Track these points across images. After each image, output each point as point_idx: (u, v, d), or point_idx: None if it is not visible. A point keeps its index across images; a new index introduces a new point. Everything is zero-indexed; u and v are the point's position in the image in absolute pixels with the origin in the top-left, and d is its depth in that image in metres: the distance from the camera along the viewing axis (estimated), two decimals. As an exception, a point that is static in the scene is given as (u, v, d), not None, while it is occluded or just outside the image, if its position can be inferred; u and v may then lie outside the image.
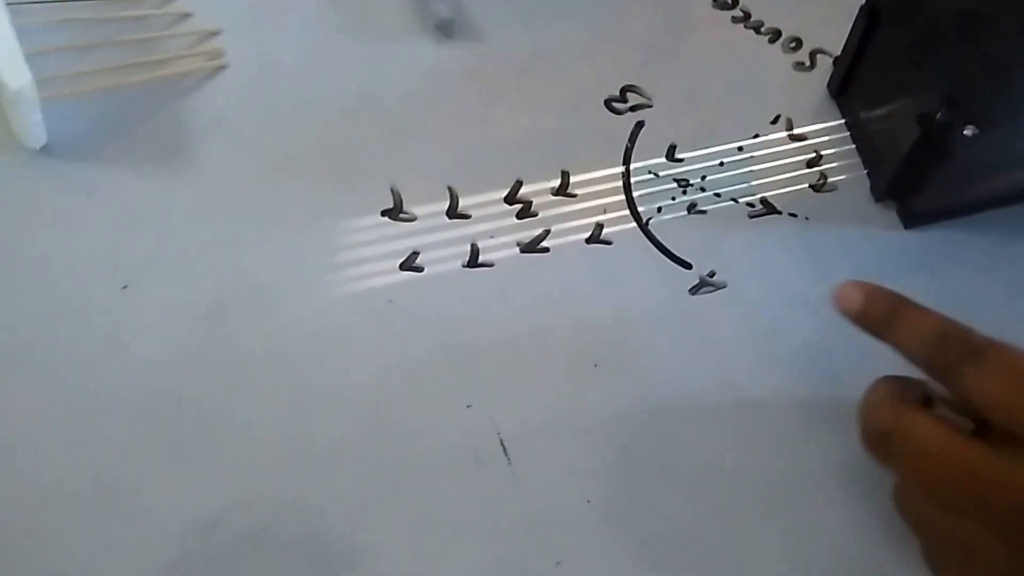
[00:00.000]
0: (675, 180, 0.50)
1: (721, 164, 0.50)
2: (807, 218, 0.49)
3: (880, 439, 0.38)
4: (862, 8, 0.47)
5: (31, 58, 0.48)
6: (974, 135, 0.42)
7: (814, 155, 0.51)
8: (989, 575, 0.36)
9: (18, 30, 0.49)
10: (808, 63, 0.53)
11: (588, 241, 0.49)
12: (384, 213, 0.49)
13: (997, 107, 0.43)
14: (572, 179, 0.50)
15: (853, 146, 0.51)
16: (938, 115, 0.43)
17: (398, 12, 0.55)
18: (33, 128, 0.49)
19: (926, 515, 0.37)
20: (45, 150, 0.50)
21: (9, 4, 0.49)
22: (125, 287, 0.47)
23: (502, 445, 0.43)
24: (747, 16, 0.55)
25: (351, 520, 0.42)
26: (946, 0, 0.45)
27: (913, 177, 0.46)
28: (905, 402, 0.38)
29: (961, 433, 0.36)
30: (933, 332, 0.37)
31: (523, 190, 0.50)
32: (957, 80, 0.43)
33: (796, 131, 0.51)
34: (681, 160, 0.51)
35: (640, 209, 0.48)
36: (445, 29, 0.51)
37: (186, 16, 0.55)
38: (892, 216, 0.49)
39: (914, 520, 0.38)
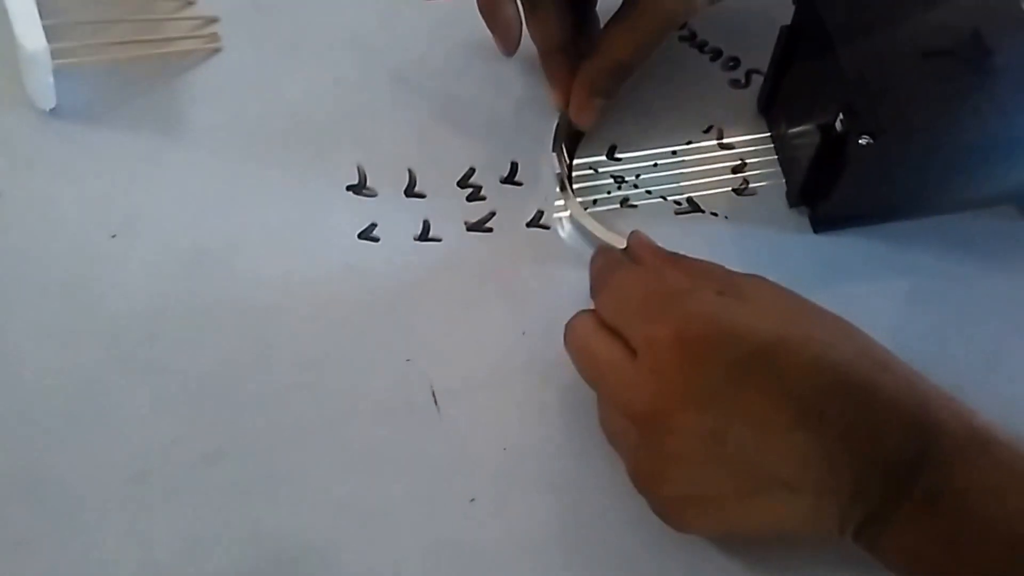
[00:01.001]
0: (612, 176, 0.55)
1: (655, 165, 0.55)
2: (727, 218, 0.54)
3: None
4: (782, 28, 0.52)
5: (50, 28, 0.53)
6: (868, 144, 0.46)
7: (739, 162, 0.55)
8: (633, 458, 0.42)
9: (41, 2, 0.54)
10: (744, 81, 0.58)
11: (529, 224, 0.54)
12: (349, 188, 0.54)
13: (889, 122, 0.47)
14: (520, 169, 0.55)
15: (775, 156, 0.55)
16: (836, 124, 0.48)
17: (376, 14, 0.61)
18: (45, 90, 0.54)
19: (606, 423, 0.45)
20: (54, 112, 0.56)
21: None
22: (114, 236, 0.53)
23: (433, 396, 0.49)
24: (693, 36, 0.60)
25: (291, 450, 0.47)
26: (843, 18, 0.49)
27: (820, 184, 0.51)
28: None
29: (601, 334, 0.43)
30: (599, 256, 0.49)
31: (475, 176, 0.55)
32: (854, 95, 0.47)
33: (725, 140, 0.56)
34: (619, 159, 0.56)
35: (578, 200, 0.53)
36: None
37: (189, 3, 0.60)
38: (804, 221, 0.53)
39: (607, 432, 0.45)
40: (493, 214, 0.54)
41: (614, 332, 0.43)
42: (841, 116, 0.47)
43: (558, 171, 0.53)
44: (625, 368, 0.42)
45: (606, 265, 0.47)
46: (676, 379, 0.40)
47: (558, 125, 0.55)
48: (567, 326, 0.45)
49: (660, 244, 0.51)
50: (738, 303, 0.42)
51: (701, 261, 0.47)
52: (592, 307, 0.46)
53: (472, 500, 0.46)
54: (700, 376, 0.40)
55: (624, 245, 0.50)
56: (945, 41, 0.49)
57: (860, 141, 0.47)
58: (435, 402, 0.48)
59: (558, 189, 0.53)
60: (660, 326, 0.41)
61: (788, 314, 0.43)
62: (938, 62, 0.48)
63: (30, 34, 0.52)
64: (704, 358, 0.40)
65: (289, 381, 0.49)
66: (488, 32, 0.56)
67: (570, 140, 0.55)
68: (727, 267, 0.46)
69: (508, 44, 0.56)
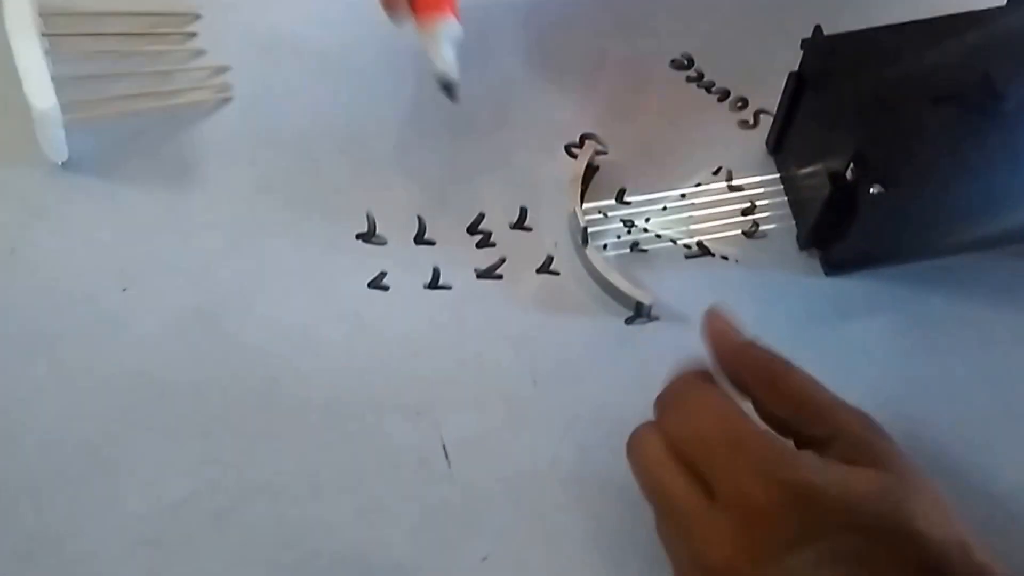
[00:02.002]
0: (622, 220, 0.55)
1: (664, 208, 0.55)
2: (737, 261, 0.53)
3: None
4: (791, 74, 0.52)
5: (60, 82, 0.54)
6: (879, 193, 0.46)
7: (749, 204, 0.55)
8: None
9: (52, 57, 0.55)
10: (752, 122, 0.58)
11: (538, 271, 0.54)
12: (359, 236, 0.55)
13: (900, 170, 0.47)
14: (529, 214, 0.55)
15: (785, 198, 0.55)
16: (847, 173, 0.47)
17: (383, 63, 0.61)
18: (56, 145, 0.55)
19: (664, 538, 0.41)
20: (66, 165, 0.56)
21: (43, 35, 0.55)
22: (125, 289, 0.53)
23: (444, 449, 0.49)
24: (700, 76, 0.59)
25: (299, 506, 0.47)
26: (856, 75, 0.49)
27: (831, 229, 0.51)
28: None
29: (674, 466, 0.40)
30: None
31: (484, 222, 0.55)
32: (864, 143, 0.47)
33: (735, 182, 0.56)
34: (629, 203, 0.55)
35: (587, 245, 0.53)
36: (449, 90, 0.53)
37: (200, 53, 0.61)
38: (815, 264, 0.53)
39: (664, 544, 0.42)
40: (503, 260, 0.54)
41: (687, 463, 0.40)
42: (852, 165, 0.47)
43: (583, 224, 0.53)
44: (700, 508, 0.39)
45: (681, 380, 0.43)
46: (763, 545, 0.37)
47: (581, 176, 0.55)
48: (630, 441, 0.42)
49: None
50: (841, 473, 0.38)
51: (801, 379, 0.42)
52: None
53: (484, 559, 0.46)
54: (792, 550, 0.37)
55: (645, 298, 0.50)
56: (955, 85, 0.48)
57: (871, 190, 0.47)
58: (445, 455, 0.48)
59: (581, 242, 0.53)
60: (756, 482, 0.37)
61: (894, 493, 0.38)
62: (948, 107, 0.48)
63: (40, 92, 0.53)
64: (800, 532, 0.37)
65: (297, 434, 0.49)
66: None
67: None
68: (831, 395, 0.41)
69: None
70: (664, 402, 0.43)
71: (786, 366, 0.42)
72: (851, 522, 0.37)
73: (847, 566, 0.36)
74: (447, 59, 0.53)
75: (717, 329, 0.44)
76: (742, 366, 0.43)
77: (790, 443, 0.41)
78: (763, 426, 0.41)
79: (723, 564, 0.37)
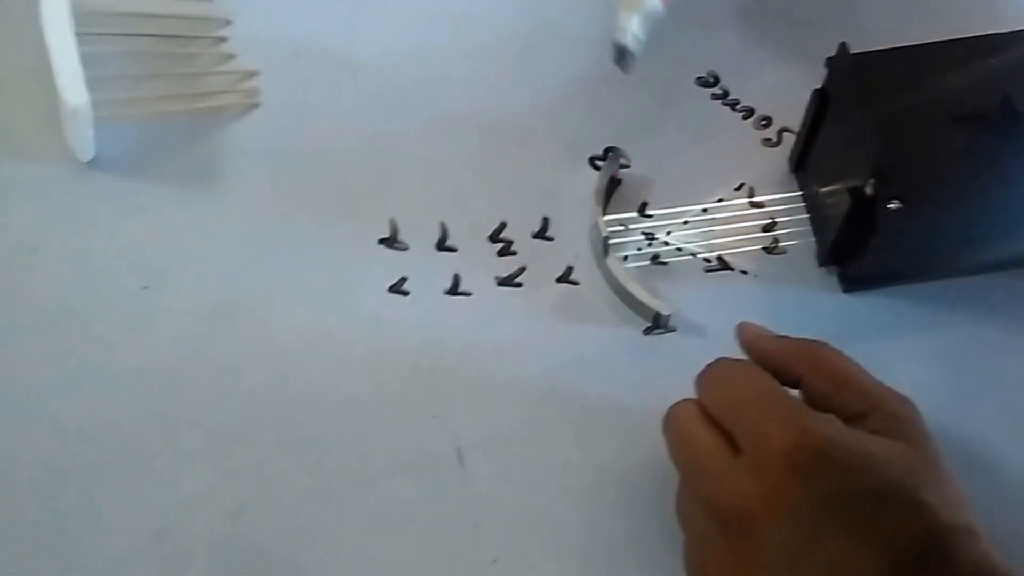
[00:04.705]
0: (643, 233, 0.55)
1: (685, 222, 0.55)
2: (756, 276, 0.54)
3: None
4: (815, 90, 0.52)
5: (92, 81, 0.54)
6: (898, 209, 0.46)
7: (770, 221, 0.55)
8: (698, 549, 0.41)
9: (84, 56, 0.55)
10: (775, 140, 0.58)
11: (558, 280, 0.54)
12: (381, 241, 0.55)
13: (919, 187, 0.47)
14: (551, 225, 0.55)
15: (806, 216, 0.55)
16: (867, 188, 0.48)
17: (411, 72, 0.62)
18: (85, 143, 0.55)
19: (682, 507, 0.42)
20: (93, 163, 0.57)
21: (78, 34, 0.56)
22: (146, 287, 0.53)
23: (458, 453, 0.49)
24: (725, 94, 0.60)
25: (313, 506, 0.47)
26: (879, 93, 0.50)
27: (850, 245, 0.51)
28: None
29: (705, 424, 0.41)
30: None
31: (506, 231, 0.55)
32: (884, 159, 0.47)
33: (756, 199, 0.56)
34: (651, 216, 0.56)
35: (609, 256, 0.53)
36: (622, 60, 0.53)
37: (230, 57, 0.61)
38: (834, 280, 0.53)
39: (680, 515, 0.43)
40: (523, 269, 0.54)
41: (719, 425, 0.41)
42: (871, 180, 0.47)
43: (605, 234, 0.53)
44: (724, 461, 0.40)
45: (716, 362, 0.44)
46: (777, 488, 0.38)
47: (604, 188, 0.55)
48: (668, 412, 0.44)
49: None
50: (863, 435, 0.39)
51: (845, 359, 0.44)
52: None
53: (494, 561, 0.46)
54: (803, 494, 0.37)
55: (664, 308, 0.51)
56: (975, 106, 0.49)
57: (890, 205, 0.47)
58: (460, 459, 0.49)
59: (602, 252, 0.53)
60: (776, 428, 0.39)
61: (911, 464, 0.39)
62: (968, 127, 0.48)
63: (73, 88, 0.54)
64: (814, 477, 0.37)
65: (313, 436, 0.49)
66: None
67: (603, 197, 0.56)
68: (874, 378, 0.43)
69: None
70: (702, 376, 0.44)
71: (830, 347, 0.44)
72: (864, 479, 0.37)
73: (856, 519, 0.37)
74: (636, 32, 0.52)
75: (751, 331, 0.46)
76: (783, 354, 0.44)
77: None
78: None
79: (739, 509, 0.38)
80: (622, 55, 0.53)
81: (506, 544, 0.46)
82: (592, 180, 0.56)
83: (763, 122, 0.59)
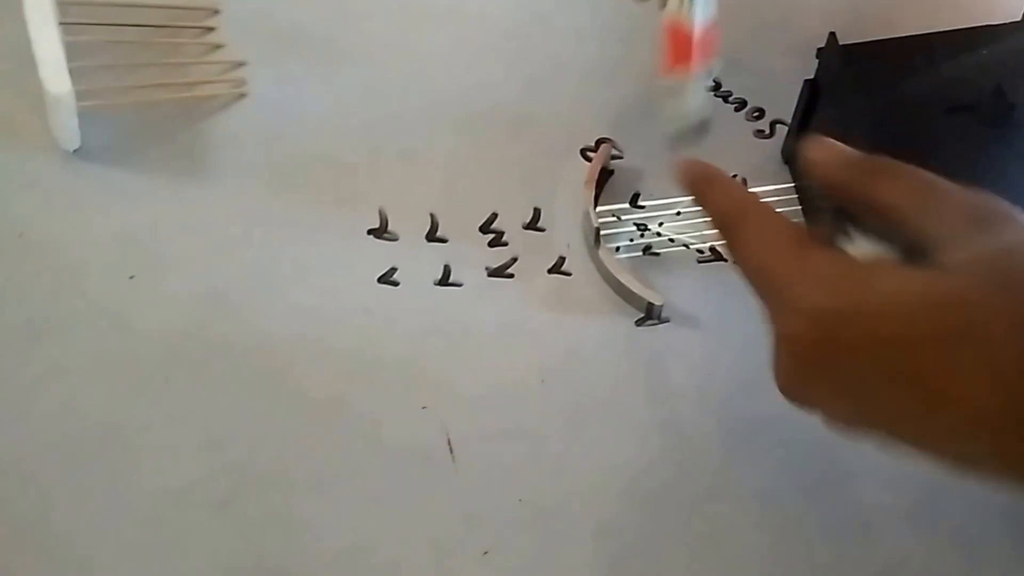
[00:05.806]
0: (635, 224, 0.55)
1: (678, 213, 0.55)
2: (749, 267, 0.54)
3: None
4: (806, 81, 0.52)
5: (77, 71, 0.54)
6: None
7: (762, 212, 0.55)
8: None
9: (69, 46, 0.54)
10: (768, 131, 0.58)
11: (550, 271, 0.54)
12: (371, 232, 0.54)
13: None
14: (543, 215, 0.55)
15: (799, 207, 0.55)
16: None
17: (400, 61, 0.61)
18: (69, 132, 0.55)
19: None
20: (78, 153, 0.56)
21: (62, 24, 0.55)
22: (132, 277, 0.53)
23: (449, 444, 0.48)
24: (718, 86, 0.60)
25: (302, 496, 0.47)
26: (870, 84, 0.50)
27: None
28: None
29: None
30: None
31: (497, 222, 0.55)
32: (876, 150, 0.47)
33: (750, 190, 0.55)
34: (643, 207, 0.56)
35: (600, 247, 0.53)
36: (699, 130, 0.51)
37: (218, 47, 0.61)
38: (826, 272, 0.53)
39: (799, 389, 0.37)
40: (515, 260, 0.54)
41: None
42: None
43: (597, 225, 0.53)
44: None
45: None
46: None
47: (596, 179, 0.55)
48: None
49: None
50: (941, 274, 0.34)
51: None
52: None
53: (485, 553, 0.46)
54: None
55: (656, 299, 0.50)
56: (968, 96, 0.49)
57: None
58: (450, 450, 0.48)
59: (594, 243, 0.53)
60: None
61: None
62: (961, 117, 0.48)
63: (56, 77, 0.53)
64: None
65: (303, 426, 0.48)
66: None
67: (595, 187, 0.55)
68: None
69: None
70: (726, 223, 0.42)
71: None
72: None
73: None
74: (700, 102, 0.50)
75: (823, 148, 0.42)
76: (860, 170, 0.40)
77: None
78: None
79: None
80: (704, 127, 0.51)
81: (497, 536, 0.46)
82: (584, 171, 0.55)
83: (755, 114, 0.59)
